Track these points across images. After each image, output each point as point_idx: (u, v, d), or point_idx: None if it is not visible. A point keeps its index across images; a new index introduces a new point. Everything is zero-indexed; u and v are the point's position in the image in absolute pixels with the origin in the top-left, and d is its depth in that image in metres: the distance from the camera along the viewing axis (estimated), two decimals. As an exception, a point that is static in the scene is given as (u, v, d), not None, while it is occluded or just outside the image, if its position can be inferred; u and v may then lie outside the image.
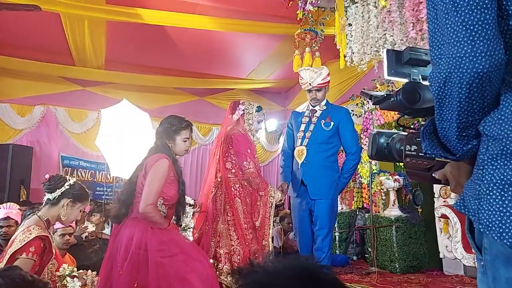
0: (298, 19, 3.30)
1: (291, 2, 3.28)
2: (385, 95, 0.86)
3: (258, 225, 2.48)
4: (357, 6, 2.93)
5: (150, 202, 1.84)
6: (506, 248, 0.56)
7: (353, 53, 2.85)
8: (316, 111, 2.77)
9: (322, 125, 2.71)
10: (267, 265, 0.58)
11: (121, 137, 3.83)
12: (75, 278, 1.81)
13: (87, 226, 3.54)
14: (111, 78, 5.62)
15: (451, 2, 0.56)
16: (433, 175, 0.77)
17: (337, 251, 4.30)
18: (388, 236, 3.69)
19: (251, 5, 3.92)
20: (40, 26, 4.35)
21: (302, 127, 2.76)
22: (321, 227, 2.62)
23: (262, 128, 2.88)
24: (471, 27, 0.55)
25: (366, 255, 4.05)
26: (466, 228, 0.67)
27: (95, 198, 4.97)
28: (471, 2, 0.55)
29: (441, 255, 3.19)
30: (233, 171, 2.55)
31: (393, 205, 3.88)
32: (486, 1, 0.55)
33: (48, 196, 1.88)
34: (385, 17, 2.76)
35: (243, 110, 2.68)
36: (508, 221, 0.54)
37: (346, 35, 2.86)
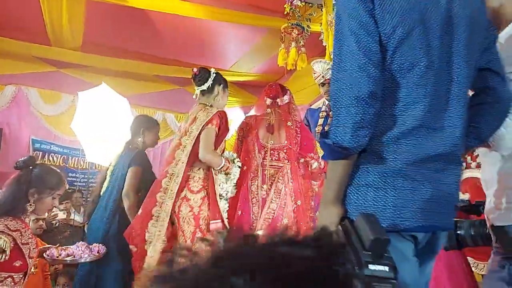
0: (285, 13, 3.28)
1: (279, -5, 3.26)
2: None
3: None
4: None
5: None
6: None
7: (338, 51, 2.87)
8: None
9: None
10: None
11: (99, 122, 3.72)
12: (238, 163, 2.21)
13: (57, 213, 3.45)
14: (88, 61, 5.41)
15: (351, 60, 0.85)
16: None
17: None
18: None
19: (238, -5, 3.87)
20: (14, 2, 4.13)
21: (320, 121, 2.69)
22: None
23: None
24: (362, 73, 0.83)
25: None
26: None
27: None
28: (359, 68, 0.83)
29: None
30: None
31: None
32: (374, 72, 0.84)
33: (202, 88, 2.19)
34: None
35: (289, 99, 2.56)
36: (354, 208, 0.87)
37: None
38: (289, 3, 3.21)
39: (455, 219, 1.07)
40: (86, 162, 4.95)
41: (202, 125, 2.12)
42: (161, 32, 4.75)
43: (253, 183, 2.40)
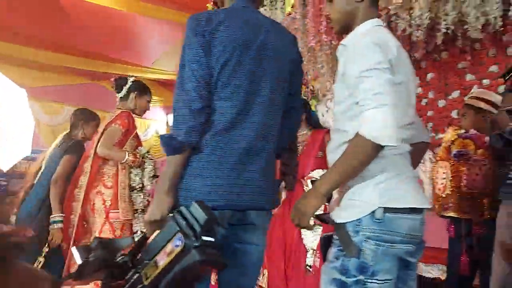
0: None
1: (202, -7, 3.20)
2: None
3: None
4: (265, 9, 2.98)
5: None
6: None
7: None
8: None
9: None
10: None
11: (-14, 114, 3.24)
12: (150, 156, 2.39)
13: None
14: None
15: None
16: None
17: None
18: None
19: (160, -11, 3.72)
20: None
21: None
22: None
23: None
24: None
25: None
26: None
27: None
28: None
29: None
30: None
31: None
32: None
33: (119, 94, 2.40)
34: (289, 24, 2.86)
35: None
36: (183, 193, 1.14)
37: (252, 35, 2.90)
38: (212, 2, 3.17)
39: (330, 234, 1.17)
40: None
41: (105, 125, 2.33)
42: (74, 21, 4.35)
43: None
